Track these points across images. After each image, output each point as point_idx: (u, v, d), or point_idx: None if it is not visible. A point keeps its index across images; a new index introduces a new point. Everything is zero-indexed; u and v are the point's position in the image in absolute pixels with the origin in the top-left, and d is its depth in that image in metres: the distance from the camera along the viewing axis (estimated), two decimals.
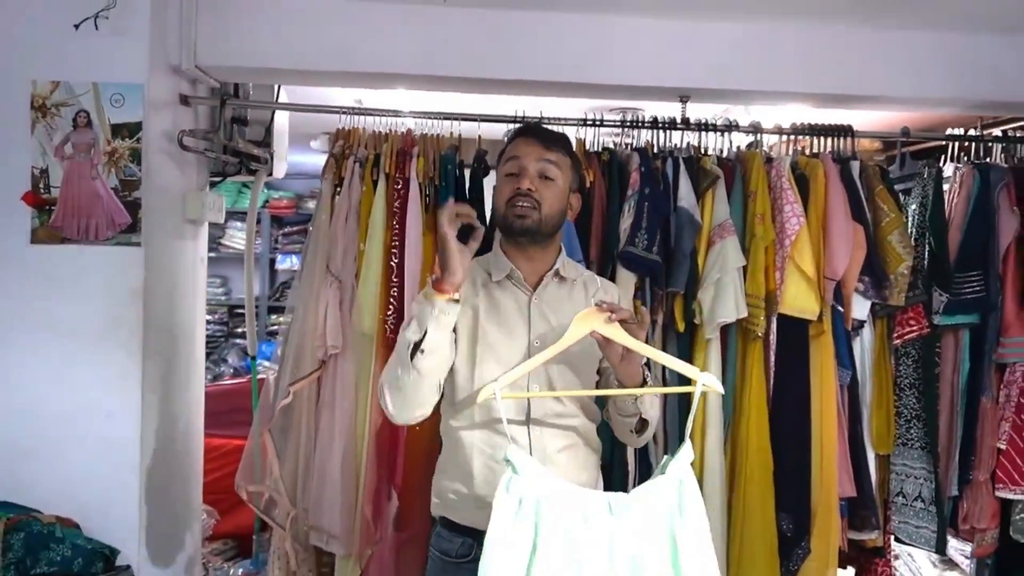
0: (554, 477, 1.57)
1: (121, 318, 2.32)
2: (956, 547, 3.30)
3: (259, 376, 3.08)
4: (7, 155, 2.29)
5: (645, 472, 2.53)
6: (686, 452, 1.60)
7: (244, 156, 2.80)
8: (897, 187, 2.78)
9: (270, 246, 6.65)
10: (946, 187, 2.72)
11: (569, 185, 1.82)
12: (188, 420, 2.73)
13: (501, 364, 1.72)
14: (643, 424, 1.79)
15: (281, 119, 3.06)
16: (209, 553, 3.44)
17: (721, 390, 1.69)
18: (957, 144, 2.81)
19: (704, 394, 2.49)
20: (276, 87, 2.96)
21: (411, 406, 1.71)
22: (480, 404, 1.65)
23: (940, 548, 2.66)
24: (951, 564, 3.51)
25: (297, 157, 4.75)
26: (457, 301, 1.66)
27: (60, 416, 2.31)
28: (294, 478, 2.49)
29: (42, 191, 2.29)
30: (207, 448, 3.06)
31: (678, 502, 1.54)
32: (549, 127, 1.94)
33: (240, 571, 3.43)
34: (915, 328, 2.62)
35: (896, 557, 3.58)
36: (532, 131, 1.85)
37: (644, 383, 1.72)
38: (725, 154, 2.68)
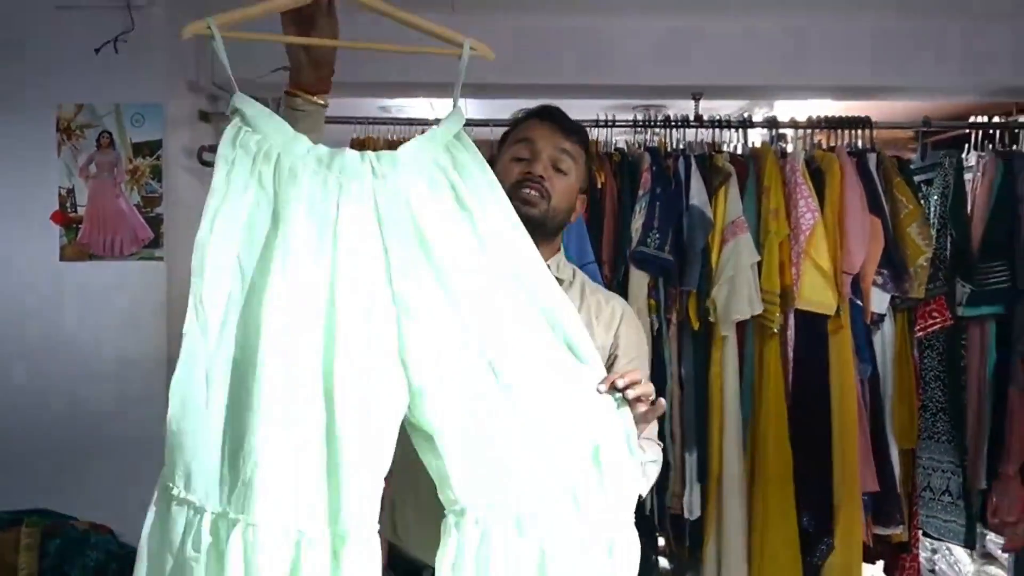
0: (300, 137, 1.21)
1: (147, 331, 2.40)
2: (994, 541, 3.24)
3: None
4: (36, 177, 2.38)
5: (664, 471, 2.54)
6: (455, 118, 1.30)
7: None
8: (919, 178, 2.73)
9: None
10: (968, 176, 2.67)
11: (580, 183, 1.59)
12: None
13: None
14: None
15: None
16: None
17: (491, 55, 1.35)
18: (981, 133, 2.74)
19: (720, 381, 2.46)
20: None
21: None
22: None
23: (969, 542, 2.62)
24: (990, 558, 3.44)
25: None
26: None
27: (92, 427, 2.39)
28: None
29: (69, 210, 2.38)
30: None
31: (451, 159, 1.25)
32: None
33: None
34: (938, 320, 2.58)
35: (934, 552, 3.53)
36: (550, 114, 1.58)
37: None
38: (741, 151, 2.66)
